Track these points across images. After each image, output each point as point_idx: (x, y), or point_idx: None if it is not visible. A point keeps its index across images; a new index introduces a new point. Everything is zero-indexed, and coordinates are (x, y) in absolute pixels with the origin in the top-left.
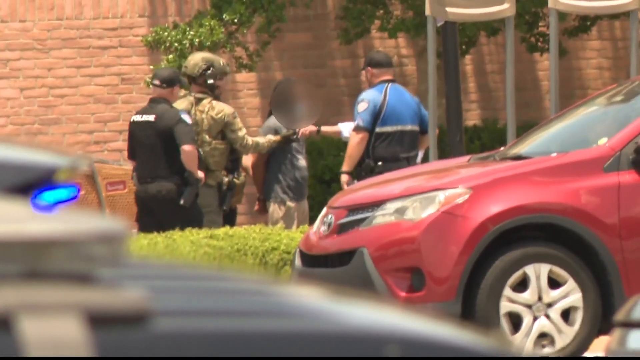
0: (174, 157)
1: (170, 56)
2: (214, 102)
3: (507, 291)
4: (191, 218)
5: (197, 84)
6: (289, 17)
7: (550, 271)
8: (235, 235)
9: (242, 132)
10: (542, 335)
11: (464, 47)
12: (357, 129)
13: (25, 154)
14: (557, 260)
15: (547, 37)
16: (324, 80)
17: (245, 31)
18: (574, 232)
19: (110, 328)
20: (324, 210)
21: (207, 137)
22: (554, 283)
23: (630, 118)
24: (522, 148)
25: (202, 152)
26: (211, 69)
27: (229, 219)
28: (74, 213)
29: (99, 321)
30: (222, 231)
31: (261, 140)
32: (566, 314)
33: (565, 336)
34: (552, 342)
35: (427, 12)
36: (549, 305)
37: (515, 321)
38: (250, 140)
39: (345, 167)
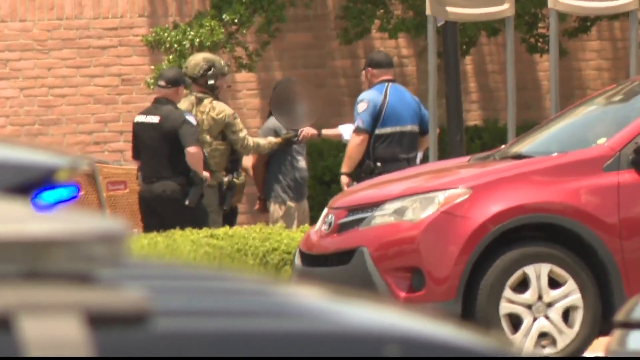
0: (179, 158)
1: (170, 56)
2: (215, 103)
3: (507, 291)
4: (196, 218)
5: (198, 85)
6: (289, 17)
7: (550, 271)
8: (235, 235)
9: (243, 134)
10: (542, 335)
11: (464, 47)
12: (357, 130)
13: (25, 154)
14: (557, 260)
15: (547, 38)
16: (324, 81)
17: (245, 31)
18: (574, 232)
19: (110, 328)
20: (325, 211)
21: (207, 137)
22: (554, 283)
23: (629, 118)
24: (522, 147)
25: (205, 153)
26: (212, 69)
27: (229, 219)
28: (74, 213)
29: (99, 321)
30: (222, 231)
31: (262, 141)
32: (566, 314)
33: (565, 336)
34: (552, 342)
35: (428, 11)
36: (549, 305)
37: (515, 321)
38: (251, 141)
39: (345, 168)
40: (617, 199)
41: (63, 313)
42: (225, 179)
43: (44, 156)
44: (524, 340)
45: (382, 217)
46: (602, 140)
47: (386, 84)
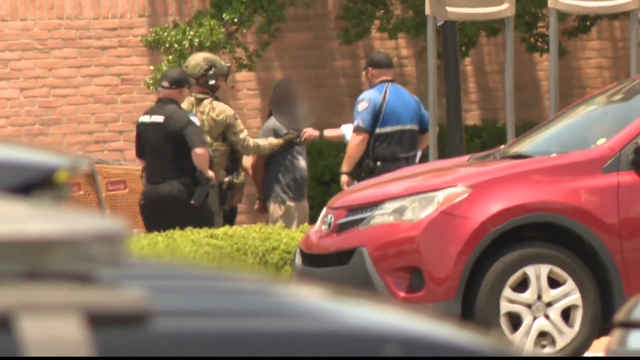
0: (184, 158)
1: (170, 57)
2: (215, 103)
3: (507, 291)
4: (202, 217)
5: (198, 85)
6: (289, 17)
7: (550, 271)
8: (235, 235)
9: (244, 134)
10: (542, 335)
11: (464, 47)
12: (357, 129)
13: (25, 154)
14: (557, 261)
15: (547, 38)
16: (324, 81)
17: (245, 31)
18: (574, 232)
19: (110, 328)
20: (324, 210)
21: (208, 138)
22: (553, 283)
23: (630, 118)
24: (522, 147)
25: (210, 153)
26: (212, 69)
27: (229, 219)
28: (74, 213)
29: (99, 321)
30: (222, 231)
31: (263, 142)
32: (566, 314)
33: (565, 336)
34: (552, 342)
35: (427, 11)
36: (549, 305)
37: (515, 321)
38: (251, 142)
39: (344, 167)
40: (617, 199)
41: (63, 313)
42: (226, 179)
43: (44, 156)
44: (524, 340)
45: (382, 216)
46: (602, 141)
47: (386, 84)
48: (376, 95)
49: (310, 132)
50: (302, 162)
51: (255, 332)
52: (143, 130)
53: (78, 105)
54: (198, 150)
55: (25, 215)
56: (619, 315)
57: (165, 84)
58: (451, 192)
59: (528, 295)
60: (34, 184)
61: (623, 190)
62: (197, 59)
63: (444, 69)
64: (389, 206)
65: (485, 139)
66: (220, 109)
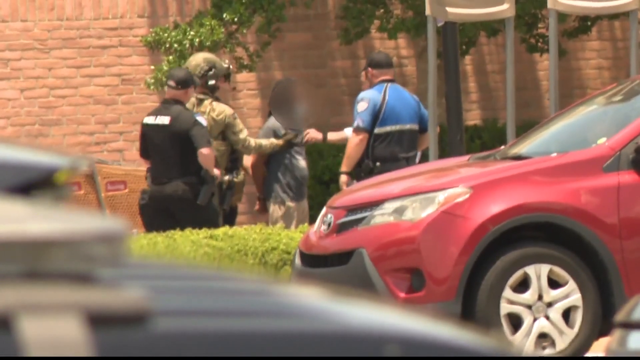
0: (189, 158)
1: (170, 57)
2: (215, 103)
3: (507, 291)
4: (207, 217)
5: (199, 85)
6: (289, 17)
7: (551, 271)
8: (235, 235)
9: (244, 134)
10: (543, 336)
11: (464, 47)
12: (356, 129)
13: (25, 154)
14: (557, 261)
15: (547, 38)
16: (324, 81)
17: (245, 31)
18: (574, 232)
19: (110, 328)
20: (324, 210)
21: None
22: (554, 283)
23: (630, 118)
24: (522, 148)
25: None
26: (213, 69)
27: (229, 219)
28: (74, 213)
29: (99, 321)
30: (222, 231)
31: (264, 141)
32: (566, 315)
33: (565, 337)
34: (553, 342)
35: (427, 12)
36: (549, 305)
37: (515, 322)
38: (252, 141)
39: (344, 167)
40: (617, 199)
41: (63, 313)
42: (225, 179)
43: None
44: (524, 341)
45: (382, 216)
46: (602, 140)
47: (386, 83)
48: (376, 95)
49: (313, 134)
50: (302, 162)
51: (255, 332)
52: (148, 131)
53: (78, 106)
54: (204, 151)
55: (25, 215)
56: (619, 316)
57: (172, 84)
58: (452, 192)
59: (528, 296)
60: (34, 184)
61: (623, 190)
62: (198, 60)
63: (444, 69)
64: (389, 206)
65: (485, 139)
66: (220, 109)
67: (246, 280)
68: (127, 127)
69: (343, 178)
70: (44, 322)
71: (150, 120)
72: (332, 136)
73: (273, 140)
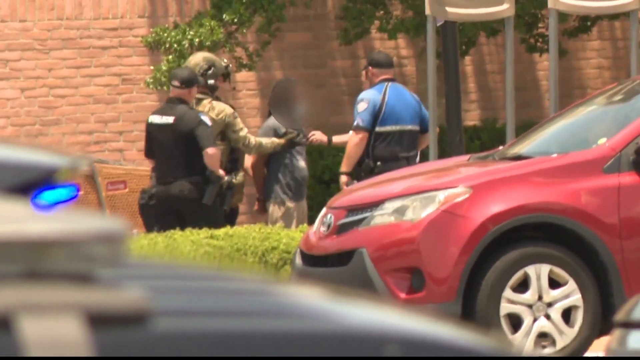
0: (195, 158)
1: (170, 57)
2: (214, 103)
3: (507, 291)
4: (213, 217)
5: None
6: (289, 17)
7: (551, 271)
8: (235, 235)
9: (244, 132)
10: (543, 336)
11: (463, 47)
12: (356, 129)
13: (25, 154)
14: (558, 261)
15: (547, 38)
16: (324, 80)
17: (245, 31)
18: (574, 232)
19: (110, 328)
20: (324, 210)
21: None
22: (554, 283)
23: (630, 118)
24: (522, 148)
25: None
26: (212, 69)
27: (230, 219)
28: (74, 213)
29: (99, 321)
30: (222, 231)
31: (264, 140)
32: (566, 314)
33: (565, 336)
34: (553, 342)
35: (427, 11)
36: (549, 305)
37: (515, 322)
38: (253, 139)
39: (344, 167)
40: (617, 199)
41: (63, 313)
42: (225, 179)
43: (44, 156)
44: (524, 341)
45: (382, 217)
46: (602, 141)
47: (386, 83)
48: (375, 94)
49: (318, 136)
50: (301, 163)
51: (255, 332)
52: (153, 131)
53: (78, 106)
54: (210, 150)
55: (25, 215)
56: (619, 315)
57: (176, 83)
58: (452, 192)
59: (528, 296)
60: (34, 184)
61: (624, 191)
62: (197, 59)
63: (443, 69)
64: (390, 206)
65: (485, 139)
66: (219, 109)
67: (246, 280)
68: (127, 126)
69: (343, 178)
70: (44, 322)
71: (155, 119)
72: (338, 139)
73: (274, 140)
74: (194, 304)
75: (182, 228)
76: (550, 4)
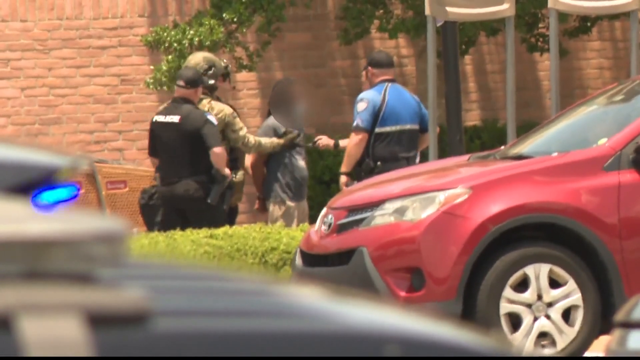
0: (200, 157)
1: (170, 57)
2: (214, 102)
3: (507, 291)
4: (219, 216)
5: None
6: (289, 17)
7: (551, 271)
8: (235, 235)
9: (243, 131)
10: (543, 335)
11: (463, 47)
12: (356, 129)
13: (25, 154)
14: (558, 260)
15: (547, 38)
16: (324, 80)
17: (245, 31)
18: (574, 232)
19: (110, 328)
20: (324, 210)
21: None
22: (554, 283)
23: (630, 118)
24: (523, 148)
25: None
26: (212, 69)
27: (230, 218)
28: (74, 213)
29: (99, 321)
30: (222, 231)
31: (263, 140)
32: (566, 314)
33: (565, 336)
34: (553, 342)
35: (427, 11)
36: (549, 305)
37: (515, 321)
38: (252, 139)
39: (344, 167)
40: (617, 199)
41: (63, 313)
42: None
43: (44, 156)
44: (524, 340)
45: (382, 217)
46: (602, 140)
47: (386, 83)
48: (375, 95)
49: (325, 141)
50: (301, 162)
51: (255, 332)
52: (157, 129)
53: (78, 105)
54: (216, 150)
55: (25, 215)
56: (619, 315)
57: (181, 83)
58: (452, 192)
59: (528, 295)
60: (34, 184)
61: (624, 190)
62: (197, 59)
63: (443, 69)
64: (390, 206)
65: (485, 139)
66: (219, 108)
67: (246, 280)
68: (127, 126)
69: (343, 178)
70: (44, 322)
71: (160, 118)
72: (344, 143)
73: (274, 140)
74: (194, 304)
75: (184, 227)
76: (550, 4)
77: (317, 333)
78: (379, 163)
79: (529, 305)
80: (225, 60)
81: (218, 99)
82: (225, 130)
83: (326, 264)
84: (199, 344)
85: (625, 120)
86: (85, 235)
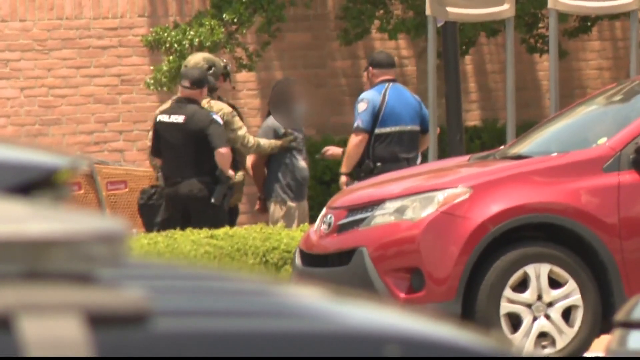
0: (204, 157)
1: (170, 57)
2: (213, 102)
3: (507, 291)
4: (219, 216)
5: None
6: (289, 17)
7: (551, 271)
8: (235, 235)
9: (242, 131)
10: (542, 335)
11: (464, 47)
12: (356, 130)
13: (25, 154)
14: (557, 260)
15: (547, 38)
16: (324, 80)
17: (245, 31)
18: (574, 232)
19: (110, 328)
20: (324, 210)
21: None
22: (554, 283)
23: (630, 118)
24: (522, 148)
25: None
26: (212, 69)
27: (230, 218)
28: (74, 213)
29: (99, 321)
30: (222, 231)
31: (262, 141)
32: (566, 314)
33: (565, 336)
34: (552, 342)
35: (428, 12)
36: (549, 305)
37: (515, 321)
38: (252, 139)
39: (343, 168)
40: (617, 199)
41: (63, 313)
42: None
43: (44, 156)
44: (524, 340)
45: (382, 216)
46: (602, 140)
47: (386, 84)
48: (375, 95)
49: (333, 150)
50: (302, 163)
51: (255, 332)
52: (162, 129)
53: (78, 105)
54: (222, 150)
55: (25, 215)
56: (619, 315)
57: (186, 84)
58: (452, 192)
59: (528, 296)
60: (34, 184)
61: (623, 190)
62: (197, 59)
63: (444, 69)
64: (390, 206)
65: (485, 139)
66: (218, 108)
67: (246, 280)
68: (127, 126)
69: (343, 179)
70: (44, 322)
71: (164, 118)
72: None
73: (272, 141)
74: (194, 304)
75: (184, 227)
76: (550, 4)
77: (317, 333)
78: (378, 164)
79: (528, 305)
80: (224, 60)
81: (219, 99)
82: (225, 129)
83: (326, 264)
84: (199, 344)
85: (624, 120)
86: (85, 235)
